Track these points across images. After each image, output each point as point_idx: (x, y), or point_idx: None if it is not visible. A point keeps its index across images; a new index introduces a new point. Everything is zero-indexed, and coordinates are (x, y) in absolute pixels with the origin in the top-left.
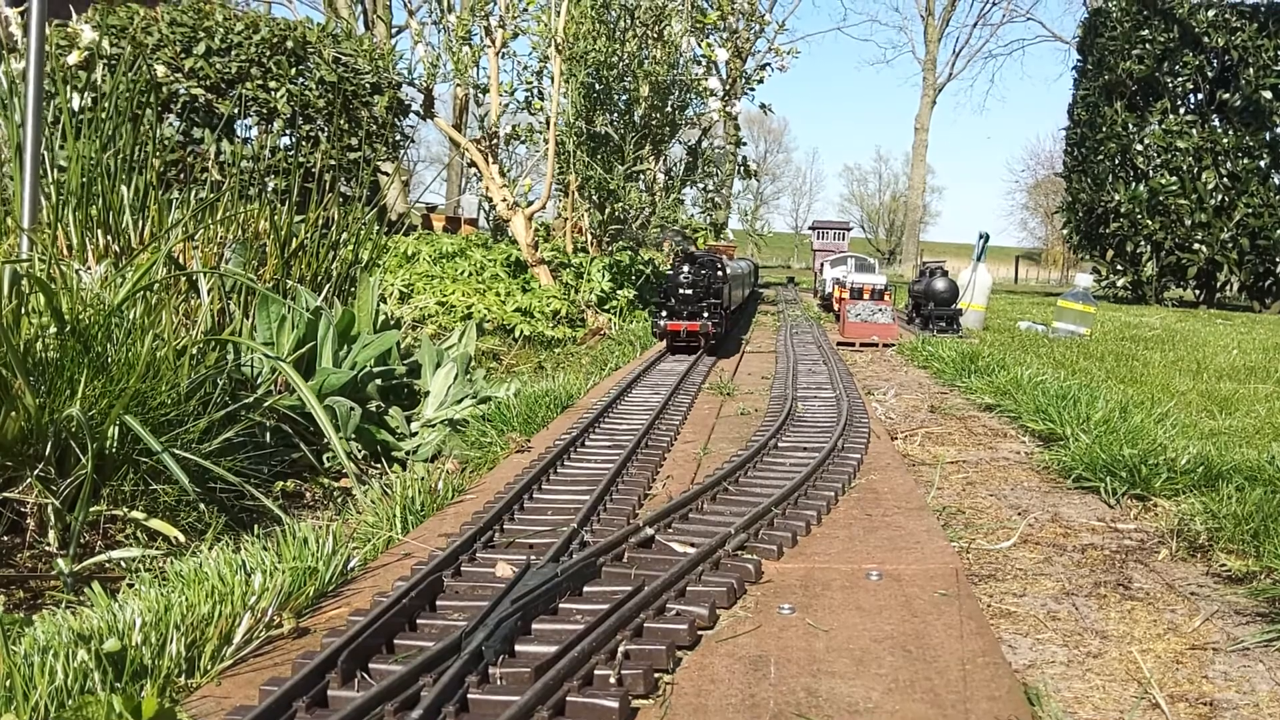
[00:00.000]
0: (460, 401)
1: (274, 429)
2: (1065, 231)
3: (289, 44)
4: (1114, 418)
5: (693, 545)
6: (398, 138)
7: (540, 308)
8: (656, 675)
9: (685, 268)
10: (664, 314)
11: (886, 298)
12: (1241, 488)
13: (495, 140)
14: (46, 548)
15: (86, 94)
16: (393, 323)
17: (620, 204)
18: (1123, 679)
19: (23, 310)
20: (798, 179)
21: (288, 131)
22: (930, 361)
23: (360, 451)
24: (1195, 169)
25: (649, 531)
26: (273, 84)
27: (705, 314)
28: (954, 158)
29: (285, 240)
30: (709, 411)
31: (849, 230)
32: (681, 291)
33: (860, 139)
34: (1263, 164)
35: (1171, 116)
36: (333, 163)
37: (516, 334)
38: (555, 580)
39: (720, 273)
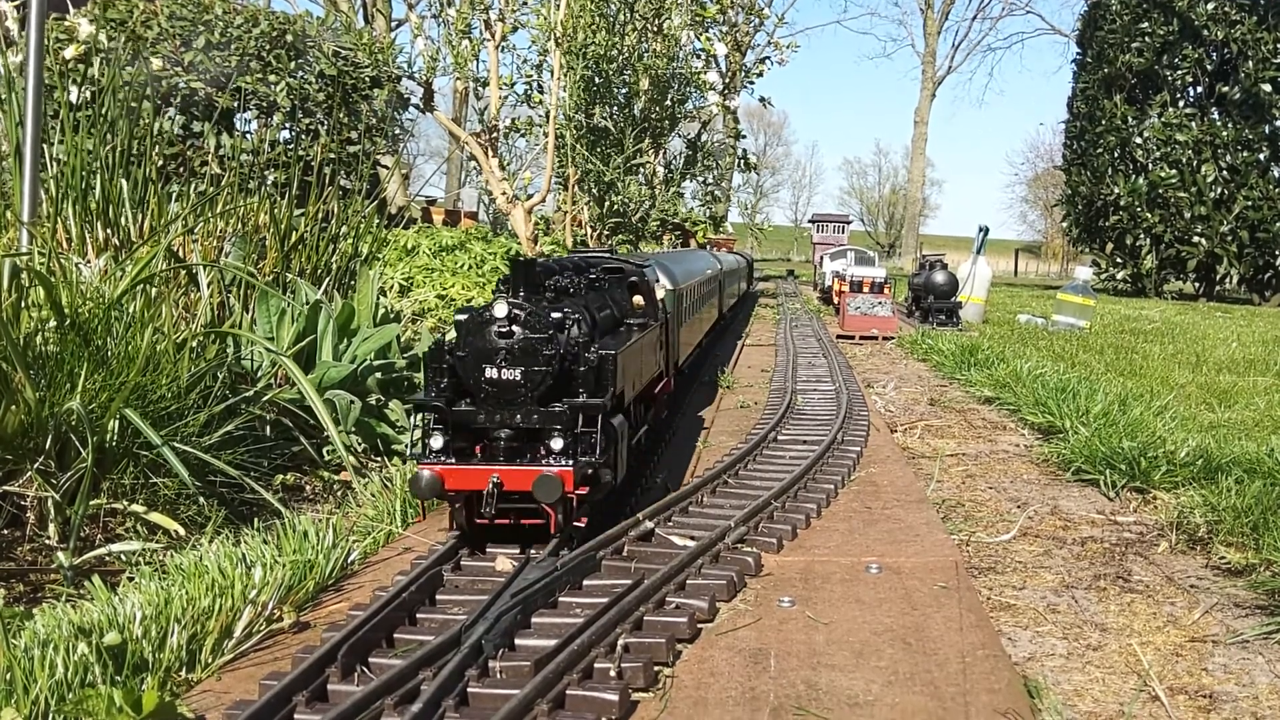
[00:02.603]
0: None
1: (274, 422)
2: (1065, 224)
3: (288, 37)
4: (1113, 410)
5: (692, 538)
6: (397, 131)
7: None
8: (656, 668)
9: (498, 312)
10: (435, 443)
11: (886, 291)
12: (1241, 480)
13: (495, 134)
14: (47, 541)
15: (85, 88)
16: (393, 316)
17: (619, 197)
18: (1122, 671)
19: (23, 304)
20: (797, 172)
21: (287, 125)
22: (930, 354)
23: (360, 445)
24: (1195, 162)
25: (649, 525)
26: (272, 77)
27: (553, 438)
28: (954, 151)
29: (285, 234)
30: (708, 404)
31: (849, 223)
32: (496, 374)
33: (860, 132)
34: (1262, 157)
35: (1171, 109)
36: (332, 156)
37: None
38: (555, 574)
39: (639, 296)
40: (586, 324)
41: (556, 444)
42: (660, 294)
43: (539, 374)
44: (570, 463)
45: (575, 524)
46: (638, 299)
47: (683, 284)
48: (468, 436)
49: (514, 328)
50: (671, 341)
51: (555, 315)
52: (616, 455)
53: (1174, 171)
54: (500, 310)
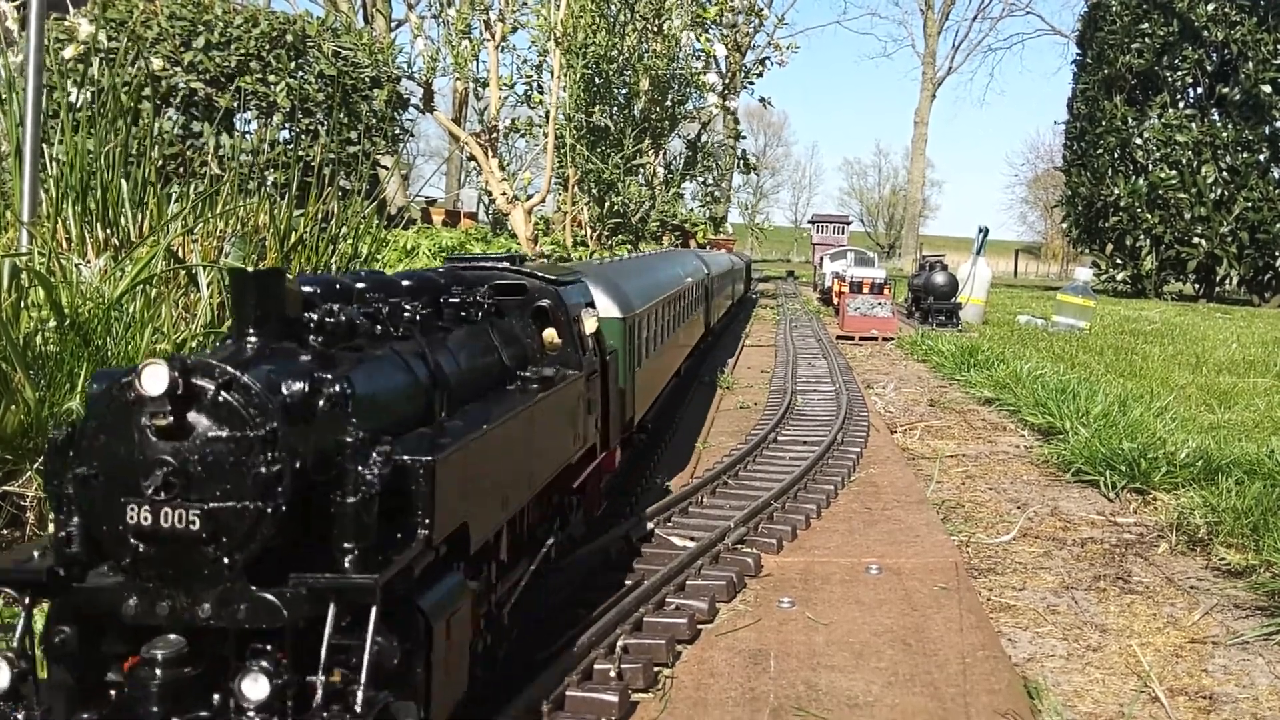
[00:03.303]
0: None
1: None
2: (1065, 225)
3: (288, 38)
4: (1113, 411)
5: (692, 539)
6: (397, 131)
7: None
8: (656, 669)
9: (150, 385)
10: None
11: (886, 292)
12: (1241, 481)
13: (495, 134)
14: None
15: (85, 88)
16: None
17: (619, 197)
18: (1122, 672)
19: (22, 304)
20: (797, 173)
21: (287, 125)
22: (930, 355)
23: None
24: (1195, 163)
25: (649, 525)
26: (272, 78)
27: (253, 671)
28: (954, 151)
29: (285, 234)
30: (709, 405)
31: (848, 224)
32: (150, 518)
33: (860, 132)
34: (1262, 158)
35: (1171, 110)
36: (332, 156)
37: None
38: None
39: (552, 329)
40: (401, 390)
41: (256, 686)
42: (591, 325)
43: (244, 515)
44: None
45: None
46: (550, 334)
47: (640, 307)
48: (121, 640)
49: (191, 416)
50: (616, 394)
51: (294, 385)
52: (430, 669)
53: (1174, 172)
54: (154, 382)
